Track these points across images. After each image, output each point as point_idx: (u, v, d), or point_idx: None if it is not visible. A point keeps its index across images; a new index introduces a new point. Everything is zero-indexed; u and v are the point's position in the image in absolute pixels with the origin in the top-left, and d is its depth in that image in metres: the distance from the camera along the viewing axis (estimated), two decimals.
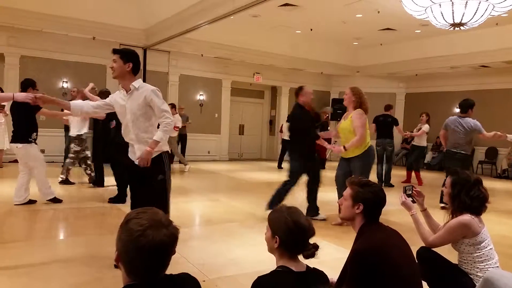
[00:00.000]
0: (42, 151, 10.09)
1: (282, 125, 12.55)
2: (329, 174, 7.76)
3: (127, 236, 1.30)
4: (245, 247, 4.00)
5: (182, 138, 11.50)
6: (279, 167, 11.77)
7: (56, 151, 9.96)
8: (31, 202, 5.49)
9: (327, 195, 5.84)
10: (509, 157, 11.64)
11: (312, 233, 1.84)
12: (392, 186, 8.81)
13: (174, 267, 1.42)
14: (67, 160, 7.21)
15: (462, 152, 6.12)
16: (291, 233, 1.77)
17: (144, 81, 12.58)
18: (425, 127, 9.19)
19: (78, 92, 7.45)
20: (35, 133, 5.36)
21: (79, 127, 7.01)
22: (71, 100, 9.17)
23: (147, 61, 11.71)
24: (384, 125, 8.96)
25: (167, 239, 1.31)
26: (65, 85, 10.64)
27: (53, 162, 9.91)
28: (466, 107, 6.32)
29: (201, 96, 12.90)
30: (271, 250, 1.85)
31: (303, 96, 5.24)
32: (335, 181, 5.17)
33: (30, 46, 10.11)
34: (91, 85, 6.97)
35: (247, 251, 3.87)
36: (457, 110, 13.37)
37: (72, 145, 7.08)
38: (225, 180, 9.32)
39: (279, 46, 12.71)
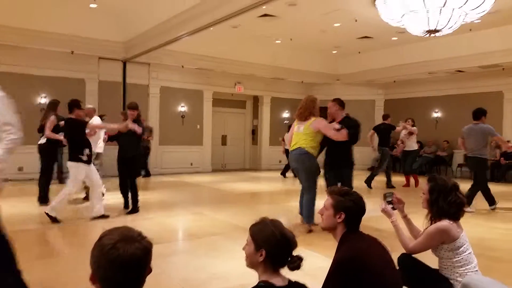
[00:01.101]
0: (21, 168, 10.01)
1: (284, 135, 12.33)
2: None
3: (99, 252, 1.31)
4: (228, 261, 3.95)
5: (144, 152, 10.83)
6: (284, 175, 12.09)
7: (36, 169, 9.76)
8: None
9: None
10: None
11: (295, 245, 1.84)
12: (369, 188, 9.53)
13: (156, 285, 1.41)
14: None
15: (479, 155, 6.72)
16: (278, 245, 1.77)
17: (123, 94, 12.54)
18: (414, 129, 9.75)
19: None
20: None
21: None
22: (52, 116, 9.24)
23: (126, 74, 11.62)
24: (378, 133, 9.75)
25: (139, 252, 1.31)
26: (43, 100, 10.44)
27: (32, 179, 9.70)
28: (479, 114, 6.84)
29: (182, 108, 12.84)
30: (252, 264, 1.82)
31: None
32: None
33: (6, 61, 9.89)
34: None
35: (230, 265, 3.82)
36: (436, 114, 13.70)
37: (97, 162, 7.07)
38: (209, 192, 9.25)
39: (259, 56, 12.79)
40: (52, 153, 6.95)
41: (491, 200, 6.90)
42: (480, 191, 6.88)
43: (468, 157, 6.95)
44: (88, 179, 5.72)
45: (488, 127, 6.73)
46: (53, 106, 6.97)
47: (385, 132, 9.67)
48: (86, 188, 7.30)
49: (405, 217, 2.83)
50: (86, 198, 7.29)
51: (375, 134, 9.74)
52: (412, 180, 10.02)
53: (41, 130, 7.05)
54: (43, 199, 6.79)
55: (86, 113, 7.50)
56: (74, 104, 5.75)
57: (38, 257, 4.18)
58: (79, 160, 5.47)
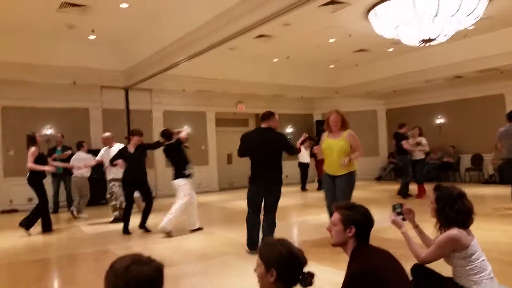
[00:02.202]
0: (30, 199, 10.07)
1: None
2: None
3: (113, 276, 1.35)
4: (242, 280, 3.94)
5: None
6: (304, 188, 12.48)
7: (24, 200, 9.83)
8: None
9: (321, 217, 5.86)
10: (494, 161, 11.84)
11: (305, 261, 1.86)
12: (409, 196, 9.56)
13: None
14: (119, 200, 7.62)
15: None
16: (287, 264, 1.78)
17: (127, 120, 12.66)
18: (423, 140, 9.65)
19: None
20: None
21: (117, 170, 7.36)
22: (55, 146, 9.43)
23: (129, 101, 11.80)
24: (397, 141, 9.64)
25: (153, 273, 1.36)
26: (48, 131, 10.59)
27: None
28: None
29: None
30: (264, 286, 1.83)
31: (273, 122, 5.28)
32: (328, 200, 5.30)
33: (11, 96, 10.08)
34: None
35: (244, 284, 3.81)
36: (439, 121, 13.66)
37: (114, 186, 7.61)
38: (218, 211, 9.26)
39: (259, 75, 12.94)
40: (37, 184, 6.90)
41: None
42: None
43: (509, 159, 6.75)
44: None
45: None
46: (31, 139, 6.88)
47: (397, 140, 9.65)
48: (116, 211, 7.46)
49: (416, 227, 2.83)
50: (115, 221, 7.49)
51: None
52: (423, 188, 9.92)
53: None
54: (45, 226, 6.89)
55: (104, 141, 7.83)
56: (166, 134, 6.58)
57: (53, 286, 4.22)
58: (183, 176, 6.24)
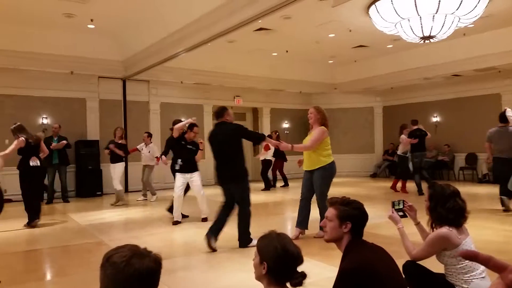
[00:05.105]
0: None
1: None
2: None
3: (113, 270, 1.30)
4: (234, 274, 3.96)
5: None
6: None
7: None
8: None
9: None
10: (488, 161, 11.85)
11: (301, 261, 1.84)
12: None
13: None
14: None
15: None
16: (279, 259, 1.77)
17: (124, 111, 12.62)
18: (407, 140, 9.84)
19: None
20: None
21: None
22: (51, 136, 9.23)
23: (126, 92, 11.74)
24: (420, 138, 9.77)
25: (153, 265, 1.34)
26: (44, 121, 10.53)
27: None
28: (506, 117, 7.15)
29: None
30: (258, 277, 1.85)
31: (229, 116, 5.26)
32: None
33: (5, 84, 9.99)
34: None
35: (238, 278, 3.83)
36: (435, 119, 13.69)
37: None
38: (212, 205, 9.19)
39: (257, 69, 12.90)
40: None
41: None
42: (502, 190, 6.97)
43: (501, 159, 7.04)
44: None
45: None
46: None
47: (421, 137, 9.75)
48: None
49: (417, 224, 2.85)
50: None
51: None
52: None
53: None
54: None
55: None
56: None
57: (46, 277, 4.20)
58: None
